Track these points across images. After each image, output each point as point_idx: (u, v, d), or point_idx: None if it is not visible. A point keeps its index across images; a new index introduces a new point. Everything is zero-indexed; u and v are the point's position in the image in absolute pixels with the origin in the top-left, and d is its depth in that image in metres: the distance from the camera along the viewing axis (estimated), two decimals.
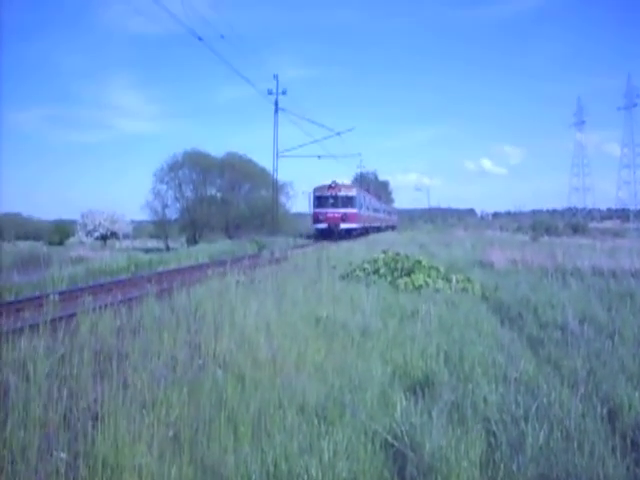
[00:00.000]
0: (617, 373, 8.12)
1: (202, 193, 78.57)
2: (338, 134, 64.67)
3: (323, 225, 53.35)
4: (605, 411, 6.53)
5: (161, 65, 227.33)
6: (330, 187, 54.79)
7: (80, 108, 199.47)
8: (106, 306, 10.87)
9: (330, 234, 50.89)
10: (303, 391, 7.00)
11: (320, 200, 54.81)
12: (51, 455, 5.12)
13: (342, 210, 53.36)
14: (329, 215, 53.24)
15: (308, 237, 56.16)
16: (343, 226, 52.86)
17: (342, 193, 54.42)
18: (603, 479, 5.03)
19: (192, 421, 6.07)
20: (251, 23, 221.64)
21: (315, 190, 56.23)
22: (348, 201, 54.42)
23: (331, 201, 54.16)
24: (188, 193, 78.31)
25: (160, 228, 77.95)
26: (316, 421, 6.17)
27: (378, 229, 66.63)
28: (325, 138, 68.67)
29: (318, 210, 54.49)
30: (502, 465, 5.26)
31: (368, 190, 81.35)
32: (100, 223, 71.55)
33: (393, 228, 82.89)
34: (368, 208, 66.17)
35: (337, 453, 5.39)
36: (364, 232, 58.18)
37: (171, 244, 69.53)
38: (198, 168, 77.36)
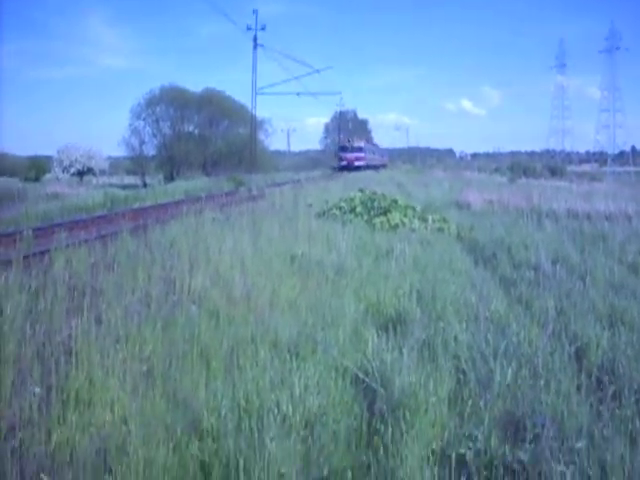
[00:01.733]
0: (587, 313, 8.24)
1: (180, 129, 78.08)
2: (318, 71, 64.20)
3: (344, 162, 79.21)
4: (573, 350, 6.64)
5: (139, 1, 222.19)
6: (348, 141, 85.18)
7: (56, 43, 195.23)
8: (81, 242, 10.83)
9: (348, 167, 75.25)
10: (276, 327, 7.04)
11: (342, 148, 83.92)
12: (25, 389, 5.14)
13: (355, 154, 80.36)
14: (347, 157, 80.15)
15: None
16: (356, 163, 78.09)
17: (355, 144, 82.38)
18: (567, 416, 5.13)
19: (165, 356, 6.11)
20: None
21: (339, 143, 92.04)
22: (358, 149, 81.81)
23: (349, 149, 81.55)
24: (165, 129, 77.93)
25: (137, 164, 77.49)
26: (288, 357, 6.21)
27: (375, 166, 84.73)
28: (305, 75, 68.10)
29: (341, 154, 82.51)
30: (470, 402, 5.33)
31: (368, 141, 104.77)
32: (77, 159, 70.79)
33: (385, 166, 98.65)
34: (371, 152, 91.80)
35: (308, 388, 5.44)
36: (368, 167, 78.53)
37: (148, 181, 69.15)
38: (176, 104, 76.72)
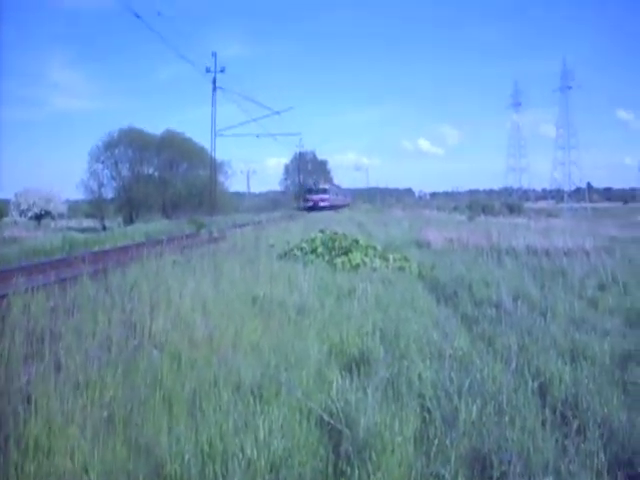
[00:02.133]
0: (548, 349, 8.31)
1: (139, 172, 77.92)
2: (277, 113, 64.70)
3: (310, 203, 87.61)
4: (536, 385, 6.67)
5: (99, 43, 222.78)
6: (314, 184, 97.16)
7: (11, 83, 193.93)
8: (39, 287, 10.67)
9: (314, 208, 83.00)
10: (239, 370, 6.97)
11: (308, 191, 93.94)
12: None
13: (320, 196, 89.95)
14: (313, 198, 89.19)
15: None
16: (321, 204, 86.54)
17: (320, 187, 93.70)
18: (533, 452, 5.14)
19: (127, 402, 5.99)
20: (190, 1, 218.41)
21: (305, 185, 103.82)
22: (323, 191, 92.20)
23: (314, 191, 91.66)
24: (124, 172, 77.71)
25: (96, 207, 76.95)
26: (252, 400, 6.14)
27: (338, 206, 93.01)
28: (264, 117, 68.69)
29: (307, 196, 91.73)
30: (436, 440, 5.32)
31: (332, 184, 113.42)
32: (34, 202, 69.94)
33: (347, 205, 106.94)
34: (334, 193, 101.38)
35: (272, 431, 5.38)
36: (331, 207, 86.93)
37: (107, 224, 68.64)
38: (135, 146, 76.68)
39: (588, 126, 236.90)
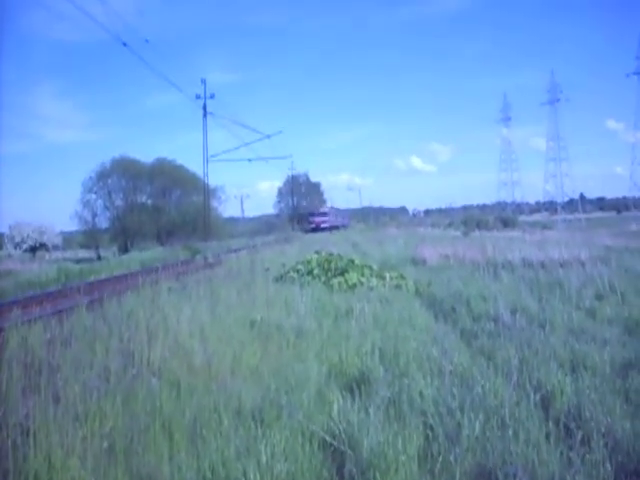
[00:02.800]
0: (549, 360, 8.28)
1: (132, 201, 77.96)
2: (268, 137, 65.42)
3: (313, 225, 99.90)
4: (538, 398, 6.64)
5: (87, 73, 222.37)
6: (316, 209, 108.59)
7: (4, 116, 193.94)
8: (36, 319, 10.63)
9: (316, 229, 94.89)
10: (239, 395, 6.94)
11: (311, 214, 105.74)
12: None
13: (321, 218, 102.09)
14: (316, 220, 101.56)
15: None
16: (322, 225, 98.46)
17: (321, 211, 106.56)
18: (538, 465, 5.11)
19: (127, 431, 5.96)
20: (177, 28, 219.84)
21: (310, 210, 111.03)
22: (323, 214, 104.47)
23: (316, 214, 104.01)
24: (118, 201, 77.77)
25: (90, 238, 76.89)
26: (253, 424, 6.12)
27: (337, 227, 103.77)
28: (255, 141, 69.05)
29: (310, 218, 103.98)
30: (440, 457, 5.30)
31: (332, 207, 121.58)
32: (28, 235, 69.79)
33: (345, 226, 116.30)
34: (334, 215, 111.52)
35: (275, 455, 5.35)
36: (331, 228, 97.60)
37: (102, 253, 68.54)
38: (127, 175, 76.78)
39: (578, 138, 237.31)
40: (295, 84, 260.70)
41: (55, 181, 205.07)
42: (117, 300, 12.75)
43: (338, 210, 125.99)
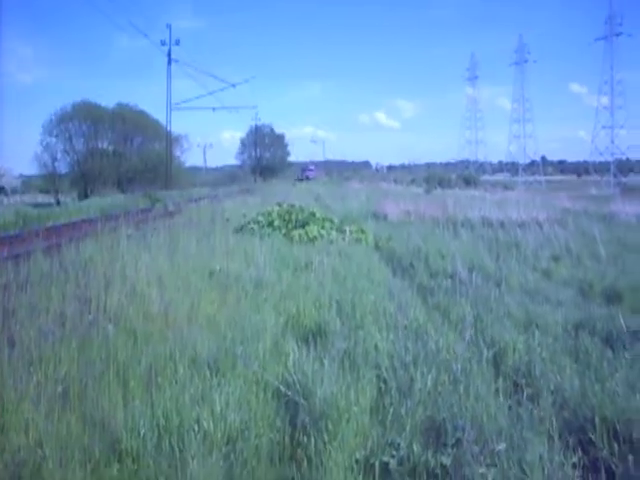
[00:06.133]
0: (503, 319, 8.43)
1: (93, 146, 76.64)
2: (233, 86, 64.78)
3: (305, 175, 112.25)
4: (490, 355, 6.75)
5: (48, 15, 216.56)
6: (306, 164, 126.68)
7: None
8: None
9: (305, 179, 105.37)
10: (195, 343, 6.96)
11: (304, 169, 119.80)
12: None
13: (310, 172, 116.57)
14: (307, 173, 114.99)
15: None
16: (310, 176, 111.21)
17: (309, 167, 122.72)
18: (487, 420, 5.21)
19: (81, 377, 5.94)
20: None
21: (302, 166, 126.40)
22: (311, 170, 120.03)
23: (307, 169, 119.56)
24: (79, 146, 76.23)
25: (50, 182, 75.58)
26: (208, 373, 6.15)
27: (315, 177, 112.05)
28: (220, 90, 68.28)
29: (304, 173, 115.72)
30: (391, 410, 5.37)
31: (315, 164, 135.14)
32: None
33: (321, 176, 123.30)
34: (315, 169, 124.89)
35: (229, 404, 5.39)
36: (315, 177, 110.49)
37: (62, 199, 67.51)
38: (89, 120, 75.29)
39: (543, 100, 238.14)
40: (262, 34, 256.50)
41: (15, 123, 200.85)
42: (75, 246, 12.61)
43: (317, 165, 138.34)
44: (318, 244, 15.72)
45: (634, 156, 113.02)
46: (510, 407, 5.57)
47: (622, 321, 7.94)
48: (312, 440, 4.81)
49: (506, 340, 7.33)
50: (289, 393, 5.73)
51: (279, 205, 22.23)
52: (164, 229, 16.31)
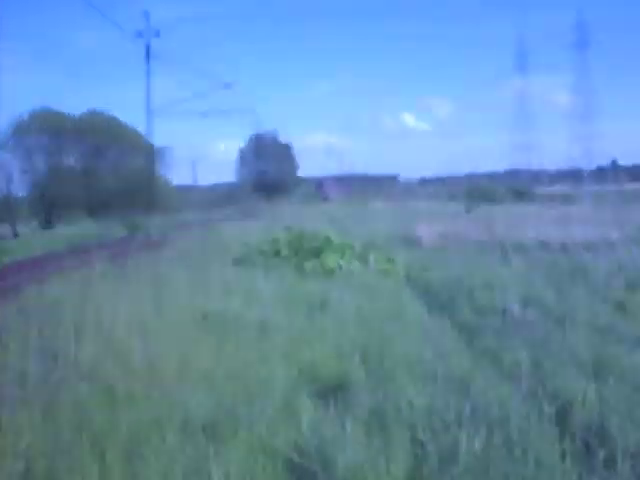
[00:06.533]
0: (567, 364, 8.35)
1: (57, 163, 76.76)
2: (227, 86, 64.41)
3: (322, 195, 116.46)
4: (553, 410, 6.70)
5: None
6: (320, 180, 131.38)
7: None
8: None
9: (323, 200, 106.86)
10: (187, 404, 6.96)
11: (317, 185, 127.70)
12: None
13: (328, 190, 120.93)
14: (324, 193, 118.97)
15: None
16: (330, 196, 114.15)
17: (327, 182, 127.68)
18: None
19: (47, 450, 5.95)
20: None
21: (316, 182, 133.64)
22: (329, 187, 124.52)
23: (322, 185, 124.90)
24: (39, 164, 76.35)
25: (5, 209, 75.76)
26: (203, 440, 6.14)
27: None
28: (211, 92, 68.50)
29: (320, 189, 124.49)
30: None
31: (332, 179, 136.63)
32: None
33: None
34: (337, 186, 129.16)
35: (230, 477, 5.38)
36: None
37: (20, 229, 67.68)
38: (50, 132, 75.33)
39: (612, 91, 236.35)
40: (261, 22, 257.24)
41: None
42: (38, 288, 12.70)
43: (336, 180, 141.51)
44: (336, 277, 15.71)
45: None
46: (580, 475, 5.52)
47: None
48: None
49: (572, 391, 7.27)
50: (304, 462, 5.71)
51: (287, 230, 22.26)
52: (148, 264, 16.39)
